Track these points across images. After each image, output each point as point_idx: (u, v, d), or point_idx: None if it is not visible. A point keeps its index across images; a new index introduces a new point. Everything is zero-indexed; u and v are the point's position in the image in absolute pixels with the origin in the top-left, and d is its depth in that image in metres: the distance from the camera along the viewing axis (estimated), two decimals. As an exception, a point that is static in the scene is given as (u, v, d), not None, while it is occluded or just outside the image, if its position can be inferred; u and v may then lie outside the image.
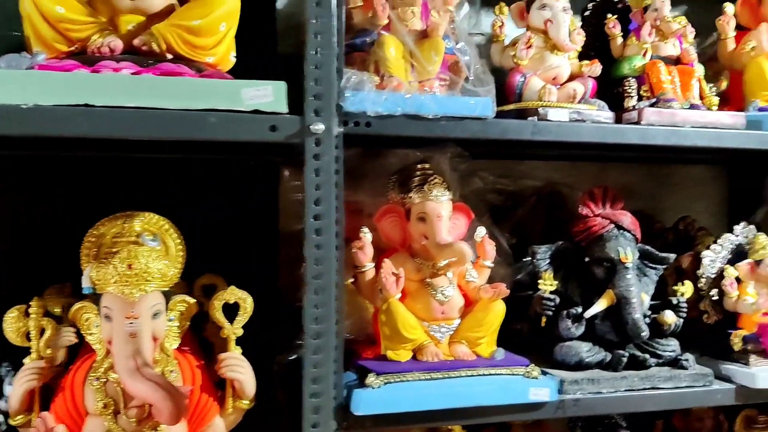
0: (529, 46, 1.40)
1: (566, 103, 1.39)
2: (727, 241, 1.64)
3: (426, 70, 1.30)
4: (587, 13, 1.61)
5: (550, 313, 1.46)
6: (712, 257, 1.62)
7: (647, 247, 1.54)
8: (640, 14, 1.55)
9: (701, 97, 1.53)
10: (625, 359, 1.42)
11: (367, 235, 1.35)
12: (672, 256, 1.55)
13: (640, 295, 1.45)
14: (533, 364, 1.35)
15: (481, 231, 1.44)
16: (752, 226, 1.65)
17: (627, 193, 1.97)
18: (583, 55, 1.58)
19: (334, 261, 1.11)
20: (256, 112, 1.03)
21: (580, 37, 1.49)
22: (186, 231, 1.25)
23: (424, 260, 1.38)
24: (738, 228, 1.65)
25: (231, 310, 1.22)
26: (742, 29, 1.66)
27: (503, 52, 1.46)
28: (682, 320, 1.50)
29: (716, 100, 1.52)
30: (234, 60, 1.16)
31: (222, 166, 1.57)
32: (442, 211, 1.36)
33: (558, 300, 1.46)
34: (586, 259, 1.50)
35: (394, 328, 1.30)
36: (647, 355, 1.44)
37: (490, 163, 1.75)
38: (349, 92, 1.18)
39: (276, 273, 1.58)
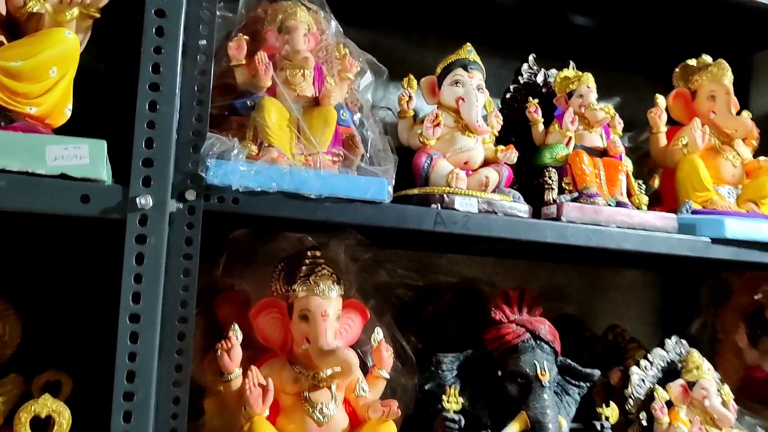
0: (437, 125, 1.22)
1: (477, 192, 1.21)
2: (658, 357, 1.45)
3: (313, 142, 1.10)
4: (508, 95, 1.46)
5: (454, 437, 1.23)
6: (641, 375, 1.43)
7: (569, 361, 1.34)
8: (564, 100, 1.41)
9: (629, 195, 1.37)
10: (538, 497, 1.19)
11: (237, 334, 1.12)
12: (596, 372, 1.35)
13: (557, 419, 1.24)
14: (426, 503, 1.11)
15: (378, 334, 1.22)
16: (684, 342, 1.48)
17: (556, 295, 1.82)
18: (502, 141, 1.42)
19: (153, 375, 0.86)
20: (64, 177, 0.81)
21: (497, 120, 1.34)
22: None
23: (304, 369, 1.14)
24: (670, 342, 1.47)
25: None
26: (675, 124, 1.54)
27: (411, 130, 1.28)
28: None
29: (646, 198, 1.37)
30: (69, 114, 0.94)
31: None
32: (328, 308, 1.14)
33: (463, 421, 1.24)
34: (499, 373, 1.28)
35: (258, 454, 1.05)
36: (564, 492, 1.22)
37: (400, 253, 1.55)
38: (211, 161, 0.98)
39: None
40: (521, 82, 1.47)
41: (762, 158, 1.49)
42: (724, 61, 1.50)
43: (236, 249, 1.33)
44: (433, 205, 1.14)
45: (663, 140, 1.50)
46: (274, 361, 1.17)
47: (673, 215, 1.33)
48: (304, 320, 1.14)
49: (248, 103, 1.11)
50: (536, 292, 1.76)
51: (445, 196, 1.15)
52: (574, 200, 1.29)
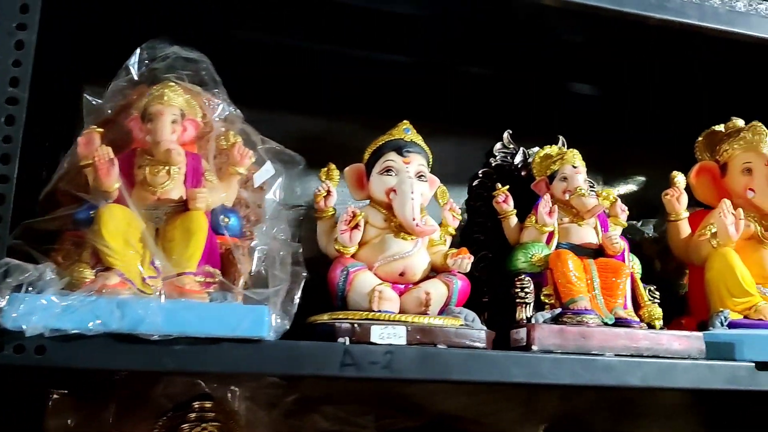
0: (355, 227, 0.93)
1: (410, 316, 0.89)
2: None
3: (164, 260, 0.82)
4: (476, 182, 1.15)
5: None
6: None
7: None
8: (546, 185, 1.09)
9: (637, 307, 1.02)
10: None
11: None
12: None
13: None
14: None
15: None
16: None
17: (574, 426, 1.43)
18: (470, 242, 1.11)
19: None
20: None
21: (454, 215, 1.03)
22: None
23: None
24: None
25: None
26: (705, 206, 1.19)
27: (330, 233, 0.98)
28: None
29: (659, 311, 1.01)
30: None
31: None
32: (208, 484, 0.83)
33: None
34: None
35: None
36: None
37: (351, 387, 1.21)
38: (5, 297, 0.71)
39: None
40: (493, 164, 1.17)
41: (827, 246, 1.12)
42: (760, 124, 1.15)
43: (128, 392, 1.05)
44: (341, 339, 0.83)
45: (685, 229, 1.14)
46: None
47: (697, 334, 0.97)
48: (179, 500, 0.84)
49: (91, 213, 0.84)
50: (547, 423, 1.42)
51: (355, 325, 0.84)
52: (555, 319, 0.95)
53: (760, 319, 1.03)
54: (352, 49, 1.28)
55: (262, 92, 1.26)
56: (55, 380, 1.06)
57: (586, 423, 1.44)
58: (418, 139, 1.02)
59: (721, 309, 1.04)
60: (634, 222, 1.39)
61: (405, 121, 1.03)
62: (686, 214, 1.14)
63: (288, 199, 1.02)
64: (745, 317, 1.05)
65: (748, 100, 1.32)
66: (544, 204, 1.02)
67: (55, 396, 1.09)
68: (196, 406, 0.93)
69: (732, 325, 1.03)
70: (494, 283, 1.07)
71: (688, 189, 1.16)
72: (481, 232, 1.12)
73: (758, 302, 1.05)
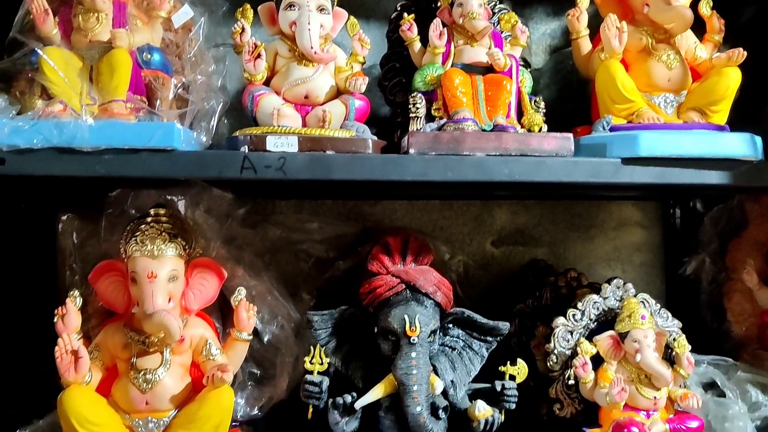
0: (258, 57, 1.09)
1: (302, 129, 1.06)
2: (591, 305, 1.23)
3: (105, 90, 1.02)
4: (394, 15, 1.27)
5: (316, 401, 1.11)
6: (569, 327, 1.22)
7: (469, 314, 1.17)
8: (447, 12, 1.20)
9: (522, 115, 1.16)
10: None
11: (76, 300, 1.08)
12: (502, 325, 1.17)
13: (427, 379, 1.09)
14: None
15: (241, 292, 1.14)
16: (629, 285, 1.24)
17: (523, 238, 1.61)
18: (388, 68, 1.26)
19: None
20: None
21: (362, 45, 1.16)
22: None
23: (136, 333, 1.08)
24: (608, 287, 1.24)
25: None
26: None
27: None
28: (501, 413, 1.13)
29: (539, 118, 1.13)
30: None
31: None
32: (157, 269, 1.07)
33: (326, 383, 1.12)
34: (375, 330, 1.15)
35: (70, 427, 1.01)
36: (440, 465, 1.07)
37: (327, 204, 1.42)
38: (-32, 121, 0.93)
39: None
40: (412, -4, 1.28)
41: (716, 55, 1.19)
42: (661, -55, 1.20)
43: (113, 210, 1.29)
44: (242, 148, 1.01)
45: (585, 46, 1.23)
46: (111, 326, 1.12)
47: (567, 135, 1.09)
48: (134, 283, 1.08)
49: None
50: (496, 236, 1.59)
51: (252, 136, 1.02)
52: (440, 128, 1.10)
53: (640, 123, 1.15)
54: None
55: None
56: (59, 202, 1.32)
57: (534, 236, 1.61)
58: (321, -25, 1.14)
59: (605, 115, 1.16)
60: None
61: (309, -38, 1.15)
62: (586, 32, 1.23)
63: (217, 39, 1.19)
64: (630, 122, 1.17)
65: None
66: (434, 28, 1.14)
67: (62, 218, 1.36)
68: (152, 212, 1.15)
69: (614, 129, 1.15)
70: (407, 104, 1.21)
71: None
72: (397, 60, 1.25)
73: (641, 107, 1.16)
